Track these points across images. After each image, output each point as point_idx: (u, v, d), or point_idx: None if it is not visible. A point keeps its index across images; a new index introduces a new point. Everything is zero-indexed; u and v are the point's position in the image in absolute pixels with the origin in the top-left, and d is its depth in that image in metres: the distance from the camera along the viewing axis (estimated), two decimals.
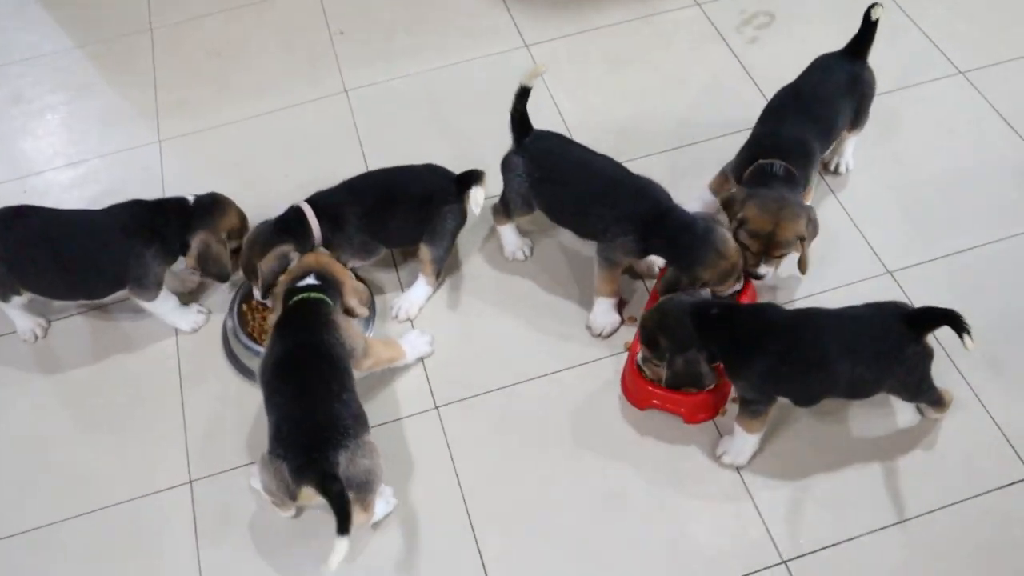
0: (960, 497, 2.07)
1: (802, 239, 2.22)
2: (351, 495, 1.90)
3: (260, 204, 2.64)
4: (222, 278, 2.39)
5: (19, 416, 2.38)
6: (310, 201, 2.39)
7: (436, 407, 2.30)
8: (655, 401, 2.21)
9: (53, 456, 2.30)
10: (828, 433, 2.18)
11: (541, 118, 2.46)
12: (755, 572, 2.01)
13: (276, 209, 2.52)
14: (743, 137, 2.47)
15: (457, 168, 2.47)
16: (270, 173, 2.84)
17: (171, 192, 2.76)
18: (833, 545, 2.03)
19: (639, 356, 2.18)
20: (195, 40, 3.27)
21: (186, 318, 2.48)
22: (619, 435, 2.23)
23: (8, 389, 2.43)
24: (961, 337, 1.87)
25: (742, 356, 2.01)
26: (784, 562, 2.01)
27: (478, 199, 2.34)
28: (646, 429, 2.23)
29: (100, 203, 2.43)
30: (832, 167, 2.67)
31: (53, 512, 2.20)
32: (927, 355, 2.01)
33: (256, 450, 2.22)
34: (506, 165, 2.39)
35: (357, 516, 1.93)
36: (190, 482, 2.22)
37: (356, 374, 2.14)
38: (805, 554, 2.02)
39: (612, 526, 2.09)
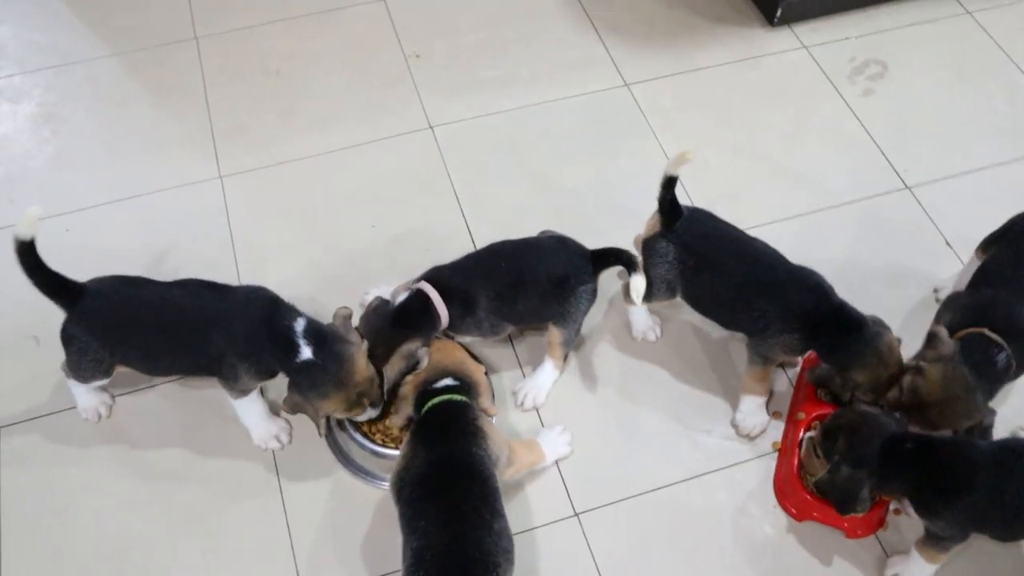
0: None
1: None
2: None
3: (346, 260, 2.42)
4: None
5: (93, 510, 2.09)
6: (432, 281, 2.12)
7: (576, 514, 2.09)
8: (815, 514, 2.06)
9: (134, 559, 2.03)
10: (1005, 554, 2.05)
11: (648, 173, 2.25)
12: None
13: (365, 270, 2.32)
14: (871, 205, 2.28)
15: (564, 226, 2.27)
16: (353, 221, 2.56)
17: (239, 238, 2.51)
18: None
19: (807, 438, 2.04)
20: (248, 53, 2.92)
21: (264, 429, 2.18)
22: (777, 548, 2.06)
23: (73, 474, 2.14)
24: None
25: (944, 495, 1.84)
26: None
27: (639, 289, 2.11)
28: (803, 543, 2.06)
29: (159, 247, 2.14)
30: None
31: None
32: None
33: (373, 563, 2.01)
34: (652, 249, 2.16)
35: None
36: None
37: None
38: None
39: None
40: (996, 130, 2.71)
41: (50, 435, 2.19)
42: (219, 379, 2.04)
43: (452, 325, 2.13)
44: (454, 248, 2.38)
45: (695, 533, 2.08)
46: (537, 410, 2.23)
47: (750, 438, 2.20)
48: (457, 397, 1.96)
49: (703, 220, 2.17)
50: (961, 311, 2.08)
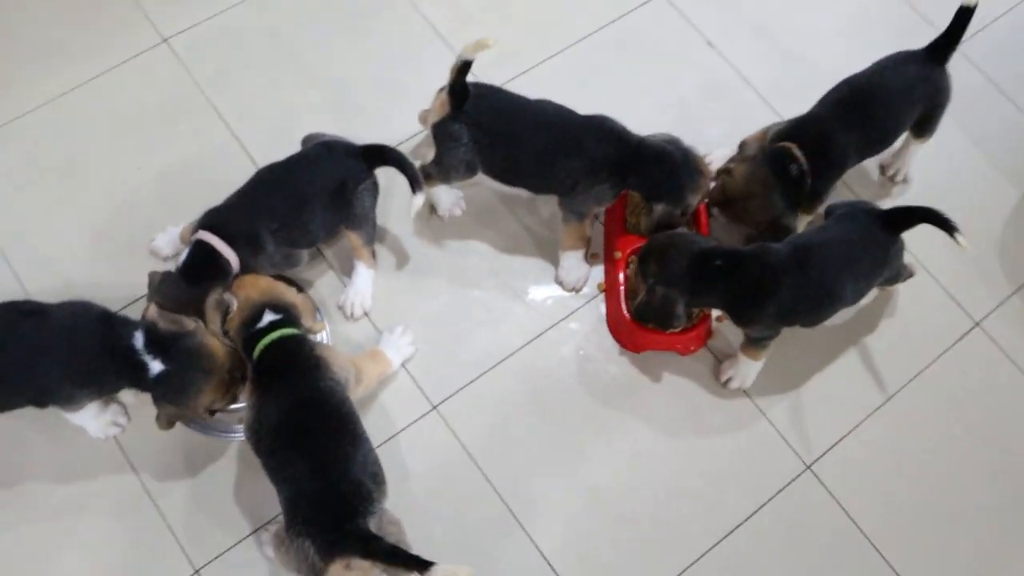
0: (927, 361, 2.29)
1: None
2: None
3: (121, 212, 2.28)
4: None
5: None
6: (211, 228, 2.00)
7: (433, 407, 2.14)
8: (650, 343, 2.20)
9: None
10: (805, 332, 2.24)
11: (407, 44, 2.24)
12: (788, 485, 2.14)
13: (145, 217, 2.22)
14: None
15: (344, 119, 2.23)
16: (115, 167, 2.34)
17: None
18: (841, 439, 2.18)
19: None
20: None
21: (97, 423, 2.06)
22: (623, 384, 2.20)
23: None
24: (953, 236, 1.98)
25: (753, 303, 2.01)
26: (808, 467, 2.16)
27: (416, 204, 2.07)
28: (645, 370, 2.22)
29: None
30: (889, 173, 2.47)
31: None
32: (902, 248, 2.13)
33: (252, 514, 2.02)
34: (444, 132, 2.11)
35: None
36: (196, 572, 1.97)
37: None
38: (822, 455, 2.17)
39: (646, 478, 2.11)
40: None
41: None
42: (55, 406, 1.90)
43: (245, 267, 2.03)
44: (232, 170, 2.27)
45: (548, 392, 2.19)
46: (367, 315, 2.22)
47: (576, 291, 2.29)
48: (287, 331, 1.91)
49: (491, 95, 2.14)
50: (784, 128, 2.23)
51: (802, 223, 2.24)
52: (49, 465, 2.04)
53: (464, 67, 2.02)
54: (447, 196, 2.32)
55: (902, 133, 2.32)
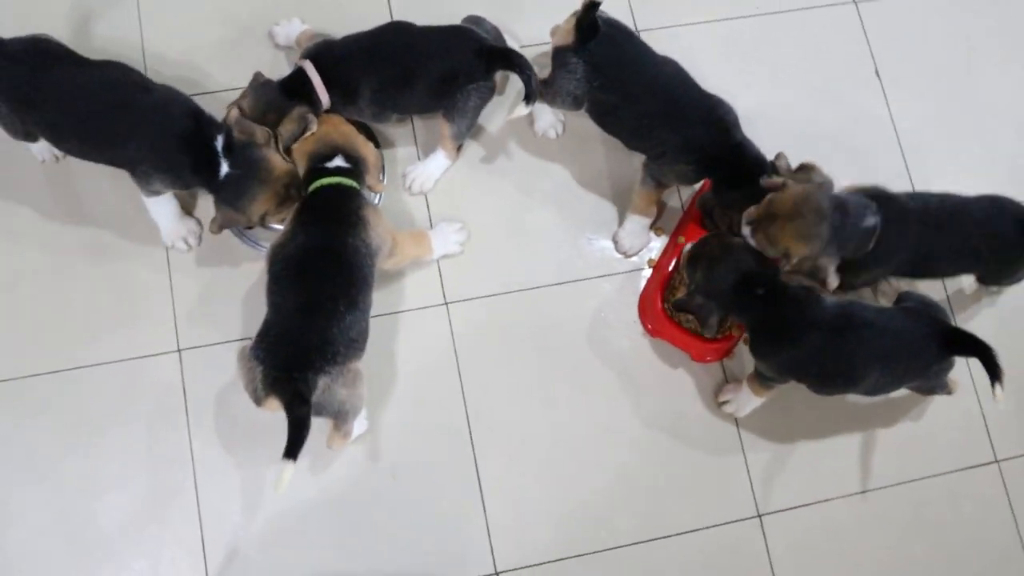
0: (926, 473, 2.21)
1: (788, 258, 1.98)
2: (330, 420, 1.89)
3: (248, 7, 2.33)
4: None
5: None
6: (316, 60, 2.05)
7: (446, 303, 2.19)
8: (668, 334, 2.19)
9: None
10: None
11: None
12: (732, 523, 2.14)
13: (266, 18, 2.27)
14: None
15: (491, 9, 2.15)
16: None
17: None
18: (802, 506, 2.16)
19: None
20: None
21: (173, 229, 2.15)
22: (627, 360, 2.21)
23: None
24: (992, 385, 1.89)
25: (774, 341, 1.97)
26: (759, 516, 2.15)
27: (519, 112, 2.07)
28: (655, 358, 2.21)
29: None
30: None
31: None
32: (949, 367, 2.04)
33: (245, 326, 2.13)
34: (561, 61, 2.07)
35: (333, 440, 1.96)
36: (178, 351, 2.12)
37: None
38: (777, 511, 2.15)
39: (607, 453, 2.15)
40: None
41: None
42: (131, 176, 2.01)
43: (334, 108, 2.09)
44: (365, 7, 2.32)
45: (555, 335, 2.21)
46: (426, 196, 2.25)
47: (627, 256, 2.27)
48: (346, 182, 1.98)
49: (619, 42, 2.08)
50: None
51: (833, 280, 1.99)
52: (114, 200, 2.18)
53: (591, 6, 1.96)
54: (548, 116, 2.29)
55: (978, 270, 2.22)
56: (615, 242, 2.27)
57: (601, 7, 2.02)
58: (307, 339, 1.84)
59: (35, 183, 2.18)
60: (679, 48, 2.21)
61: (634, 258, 2.27)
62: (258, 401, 1.84)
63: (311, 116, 2.02)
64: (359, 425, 2.04)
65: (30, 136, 2.04)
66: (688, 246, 2.08)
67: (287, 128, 2.01)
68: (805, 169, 2.02)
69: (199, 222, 2.18)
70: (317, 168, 2.00)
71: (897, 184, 2.30)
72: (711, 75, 2.14)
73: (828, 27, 2.51)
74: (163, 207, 2.10)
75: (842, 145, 2.39)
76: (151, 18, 2.32)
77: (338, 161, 2.00)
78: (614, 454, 2.15)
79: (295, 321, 1.86)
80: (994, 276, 2.23)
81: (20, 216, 2.16)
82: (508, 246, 2.25)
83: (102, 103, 1.93)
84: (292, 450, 1.77)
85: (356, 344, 1.90)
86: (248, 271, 2.17)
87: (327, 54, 2.07)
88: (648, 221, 2.24)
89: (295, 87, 2.03)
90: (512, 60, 2.09)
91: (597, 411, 2.17)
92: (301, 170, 2.02)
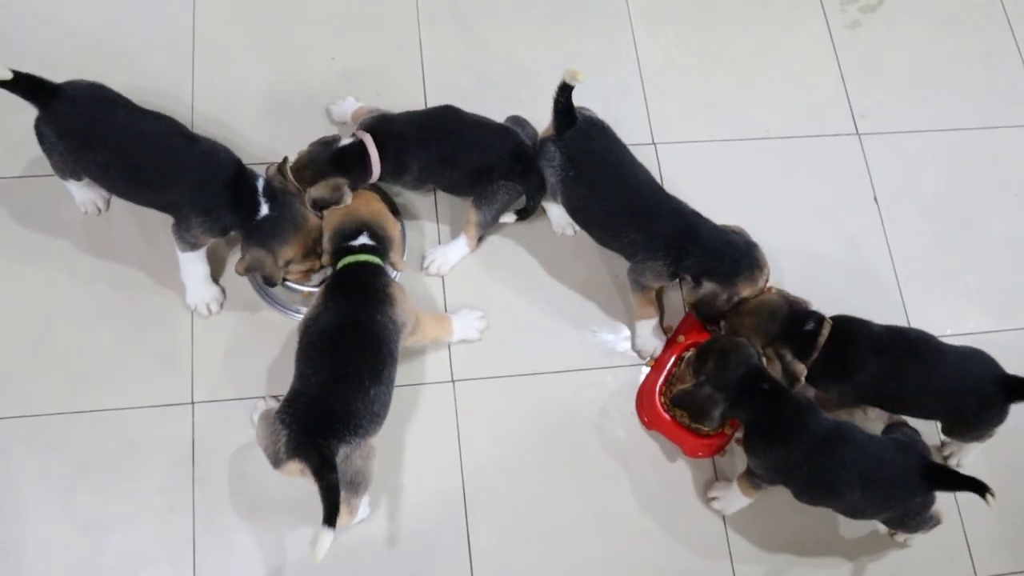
0: None
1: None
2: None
3: (297, 88, 2.50)
4: (269, 284, 2.20)
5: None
6: (375, 134, 2.19)
7: (453, 380, 2.29)
8: (661, 429, 2.27)
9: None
10: (814, 518, 2.26)
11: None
12: None
13: (312, 100, 2.45)
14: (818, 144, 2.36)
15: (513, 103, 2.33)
16: (314, 50, 2.57)
17: (201, 35, 2.54)
18: None
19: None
20: None
21: (199, 292, 2.26)
22: (624, 449, 2.29)
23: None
24: (984, 496, 1.94)
25: (766, 440, 2.05)
26: None
27: (507, 219, 2.31)
28: (651, 449, 2.29)
29: (115, 24, 2.31)
30: (945, 453, 2.37)
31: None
32: (931, 503, 2.09)
33: (258, 385, 2.22)
34: (542, 150, 2.24)
35: (340, 516, 1.99)
36: (192, 403, 2.20)
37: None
38: None
39: (596, 540, 2.20)
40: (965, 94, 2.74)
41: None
42: (172, 225, 2.14)
43: (380, 178, 2.24)
44: (403, 94, 2.51)
45: (555, 420, 2.29)
46: (442, 278, 2.38)
47: (649, 358, 2.36)
48: (373, 260, 2.09)
49: (593, 136, 2.22)
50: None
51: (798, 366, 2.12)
52: (146, 253, 2.30)
53: (563, 88, 2.11)
54: (562, 215, 2.40)
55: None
56: (637, 351, 2.37)
57: (588, 108, 2.23)
58: (333, 408, 1.92)
59: (74, 230, 2.31)
60: (692, 161, 2.38)
61: (633, 354, 2.37)
62: (277, 463, 1.90)
63: (347, 189, 2.15)
64: (363, 509, 2.09)
65: (75, 176, 2.18)
66: (691, 352, 2.19)
67: (319, 192, 2.14)
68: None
69: (223, 291, 2.29)
70: (345, 245, 2.11)
71: (890, 309, 2.48)
72: (719, 190, 2.30)
73: (832, 154, 2.67)
74: (194, 267, 2.22)
75: (840, 266, 2.52)
76: (204, 87, 2.49)
77: (364, 239, 2.11)
78: (604, 541, 2.20)
79: (323, 391, 1.95)
80: (958, 429, 2.24)
81: (58, 258, 2.28)
82: (516, 332, 2.35)
83: (153, 148, 2.07)
84: (331, 518, 1.82)
85: (378, 418, 1.99)
86: (267, 333, 2.28)
87: (385, 129, 2.21)
88: (654, 322, 2.34)
89: (349, 156, 2.17)
90: (535, 174, 2.26)
91: (591, 496, 2.23)
92: (327, 242, 2.14)
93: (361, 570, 2.11)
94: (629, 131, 2.39)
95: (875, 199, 2.63)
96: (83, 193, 2.28)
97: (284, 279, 2.18)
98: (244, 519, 2.12)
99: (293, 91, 2.52)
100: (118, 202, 2.32)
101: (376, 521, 2.14)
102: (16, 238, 2.29)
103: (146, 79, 2.45)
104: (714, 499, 2.24)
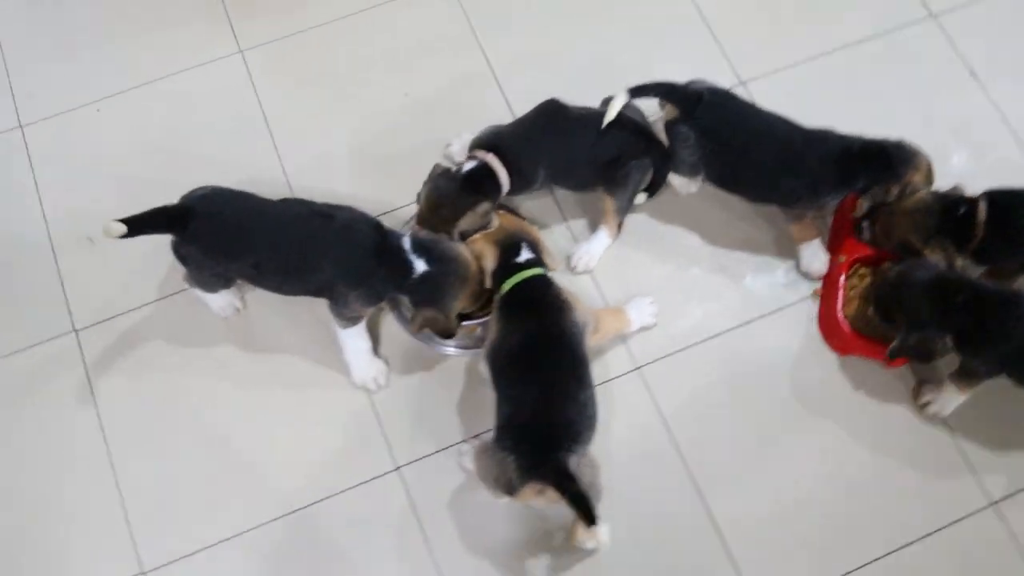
0: None
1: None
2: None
3: (382, 132, 2.49)
4: (446, 338, 2.17)
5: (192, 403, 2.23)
6: (495, 151, 2.16)
7: (637, 368, 2.26)
8: (855, 350, 2.24)
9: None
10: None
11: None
12: (966, 517, 2.14)
13: (400, 138, 2.44)
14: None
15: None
16: (383, 89, 2.54)
17: (272, 115, 2.52)
18: None
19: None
20: None
21: (365, 368, 2.22)
22: (822, 382, 2.25)
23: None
24: None
25: (985, 342, 2.02)
26: (993, 504, 2.15)
27: (639, 200, 2.30)
28: (849, 375, 2.25)
29: (193, 132, 2.31)
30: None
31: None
32: None
33: (453, 431, 2.19)
34: (673, 133, 2.23)
35: (581, 536, 1.97)
36: (397, 469, 2.16)
37: None
38: (1009, 495, 2.16)
39: (829, 483, 2.16)
40: None
41: (125, 334, 2.29)
42: (329, 304, 2.11)
43: (508, 193, 2.20)
44: (487, 110, 2.46)
45: (748, 376, 2.26)
46: (590, 273, 2.34)
47: (819, 277, 2.34)
48: (539, 271, 2.07)
49: (723, 104, 2.22)
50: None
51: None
52: (297, 340, 2.28)
53: (658, 85, 2.18)
54: (684, 181, 2.35)
55: None
56: (806, 273, 2.34)
57: (703, 75, 2.25)
58: (552, 422, 1.90)
59: (221, 335, 2.28)
60: (783, 90, 2.36)
61: (799, 287, 2.34)
62: (511, 491, 1.87)
63: (493, 215, 2.13)
64: (604, 534, 1.93)
65: (225, 285, 2.16)
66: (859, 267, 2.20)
67: (469, 222, 2.11)
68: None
69: (387, 362, 2.25)
70: (511, 264, 2.08)
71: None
72: (817, 113, 2.25)
73: (914, 45, 2.64)
74: (357, 343, 2.18)
75: (961, 149, 2.49)
76: (291, 160, 2.47)
77: (526, 253, 2.09)
78: (836, 481, 2.17)
79: (536, 409, 1.92)
80: None
81: (216, 369, 2.25)
82: (680, 303, 2.32)
83: (296, 236, 2.04)
84: (591, 515, 1.80)
85: (592, 421, 1.96)
86: (442, 379, 2.24)
87: (505, 143, 2.18)
88: (818, 241, 2.32)
89: (478, 178, 2.13)
90: (657, 148, 2.24)
91: (810, 440, 2.20)
92: (492, 267, 2.09)
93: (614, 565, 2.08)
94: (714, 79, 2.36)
95: (971, 74, 2.61)
96: (221, 300, 2.25)
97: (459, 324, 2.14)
98: (486, 561, 2.09)
99: (378, 136, 2.49)
100: (251, 297, 2.29)
101: (616, 530, 2.04)
102: (172, 358, 2.26)
103: (236, 172, 2.38)
104: (928, 404, 2.21)
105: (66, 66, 2.59)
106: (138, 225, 1.94)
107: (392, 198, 2.38)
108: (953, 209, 2.14)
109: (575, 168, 2.23)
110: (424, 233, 2.09)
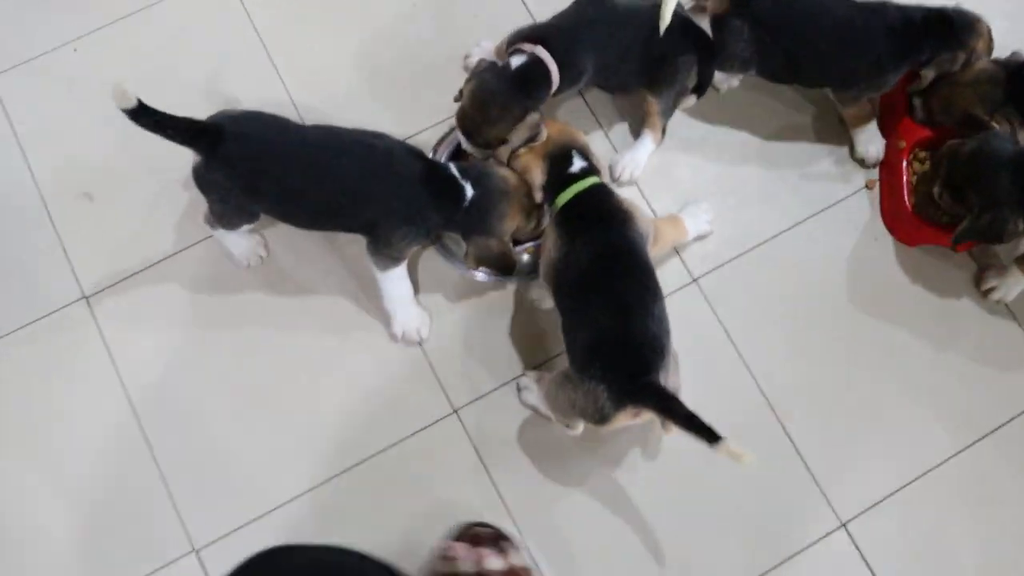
0: None
1: None
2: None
3: (388, 48, 2.31)
4: (506, 273, 2.01)
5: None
6: (540, 41, 1.95)
7: (694, 280, 2.14)
8: (925, 239, 2.15)
9: None
10: None
11: None
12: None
13: (412, 61, 2.26)
14: None
15: None
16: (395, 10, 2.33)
17: (271, 42, 2.30)
18: None
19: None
20: None
21: (408, 316, 2.05)
22: (884, 275, 2.16)
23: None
24: None
25: None
26: None
27: (689, 103, 2.17)
28: (914, 265, 2.17)
29: (188, 67, 2.13)
30: None
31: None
32: None
33: (508, 365, 2.07)
34: (724, 26, 2.06)
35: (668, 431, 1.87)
36: (455, 412, 2.04)
37: None
38: None
39: (907, 388, 2.09)
40: None
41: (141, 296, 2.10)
42: (368, 244, 1.94)
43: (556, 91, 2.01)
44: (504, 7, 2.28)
45: (807, 277, 2.16)
46: (636, 183, 2.20)
47: (876, 164, 2.23)
48: (597, 180, 1.92)
49: None
50: None
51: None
52: (332, 284, 2.12)
53: None
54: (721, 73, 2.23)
55: None
56: (862, 159, 2.23)
57: None
58: (637, 340, 1.78)
59: (253, 286, 2.11)
60: None
61: (852, 179, 2.22)
62: (603, 419, 1.76)
63: (541, 123, 1.95)
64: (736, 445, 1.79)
65: (249, 220, 1.96)
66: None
67: (520, 135, 1.93)
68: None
69: (428, 316, 2.09)
70: (565, 175, 1.92)
71: None
72: None
73: None
74: (400, 286, 2.02)
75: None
76: (297, 82, 2.27)
77: (579, 161, 1.93)
78: (911, 384, 2.09)
79: (617, 327, 1.80)
80: None
81: (255, 320, 2.08)
82: (731, 208, 2.19)
83: (337, 166, 1.85)
84: (712, 433, 1.67)
85: (669, 332, 1.84)
86: (488, 311, 2.11)
87: (552, 35, 1.97)
88: (873, 123, 2.20)
89: (530, 74, 1.93)
90: (704, 43, 2.07)
91: (880, 341, 2.12)
92: (537, 178, 1.94)
93: (717, 499, 2.00)
94: None
95: None
96: (243, 245, 2.07)
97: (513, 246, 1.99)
98: (553, 489, 2.00)
99: (386, 51, 2.29)
100: (274, 242, 2.12)
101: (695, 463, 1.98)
102: (196, 315, 2.09)
103: (236, 103, 2.21)
104: (991, 290, 2.13)
105: (34, 10, 2.31)
106: (160, 123, 1.75)
107: (411, 120, 2.19)
108: (1021, 76, 2.03)
109: (624, 64, 2.05)
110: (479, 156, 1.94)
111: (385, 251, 1.94)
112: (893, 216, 2.18)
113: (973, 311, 2.15)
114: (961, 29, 2.06)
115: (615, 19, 2.03)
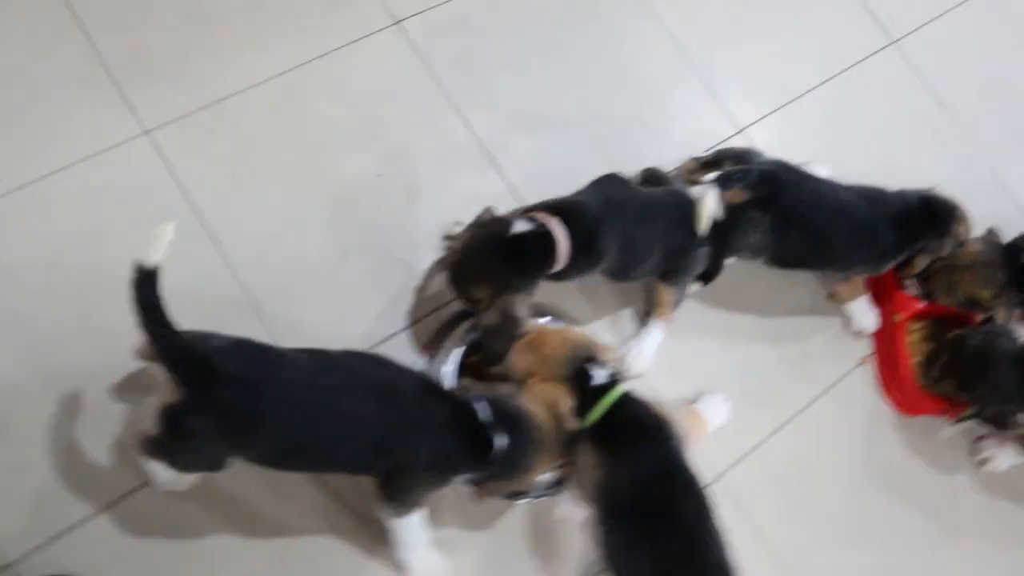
0: None
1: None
2: None
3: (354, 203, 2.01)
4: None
5: None
6: (566, 216, 1.72)
7: (720, 477, 1.98)
8: (926, 410, 2.14)
9: None
10: None
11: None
12: None
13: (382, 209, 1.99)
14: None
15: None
16: (343, 155, 2.02)
17: (208, 211, 1.93)
18: None
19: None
20: None
21: (428, 566, 1.75)
22: (893, 455, 2.13)
23: None
24: None
25: None
26: None
27: (694, 289, 2.03)
28: (899, 436, 2.15)
29: (104, 246, 1.76)
30: None
31: None
32: None
33: None
34: (744, 217, 1.95)
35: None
36: None
37: None
38: None
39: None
40: None
41: None
42: (379, 489, 1.62)
43: (559, 273, 1.77)
44: (466, 165, 2.10)
45: (820, 459, 2.09)
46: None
47: (871, 333, 2.21)
48: (623, 390, 1.71)
49: (798, 184, 2.01)
50: None
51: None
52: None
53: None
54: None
55: None
56: (858, 332, 2.20)
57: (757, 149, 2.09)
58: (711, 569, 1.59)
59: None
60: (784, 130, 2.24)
61: (844, 358, 2.19)
62: None
63: (528, 316, 1.74)
64: None
65: (220, 467, 1.54)
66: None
67: (494, 315, 1.70)
68: (990, 233, 2.16)
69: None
70: (589, 390, 1.69)
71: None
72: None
73: (879, 76, 2.52)
74: (416, 534, 1.70)
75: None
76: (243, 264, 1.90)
77: (600, 372, 1.71)
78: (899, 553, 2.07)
79: (683, 565, 1.60)
80: None
81: None
82: (733, 396, 2.04)
83: (352, 414, 1.53)
84: None
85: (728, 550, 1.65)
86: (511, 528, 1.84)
87: (574, 208, 1.75)
88: (867, 296, 2.19)
89: (528, 244, 1.69)
90: (719, 232, 1.93)
91: (890, 512, 2.09)
92: (566, 405, 1.69)
93: None
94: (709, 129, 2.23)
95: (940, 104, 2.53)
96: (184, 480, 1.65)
97: None
98: None
99: (350, 220, 1.99)
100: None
101: None
102: None
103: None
104: (988, 460, 2.14)
105: None
106: (153, 312, 1.38)
107: (385, 319, 1.92)
108: (1017, 258, 2.08)
109: (649, 254, 1.87)
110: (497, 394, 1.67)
111: (403, 497, 1.64)
112: (895, 389, 2.17)
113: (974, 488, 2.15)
114: (944, 216, 2.08)
115: (641, 207, 1.86)
